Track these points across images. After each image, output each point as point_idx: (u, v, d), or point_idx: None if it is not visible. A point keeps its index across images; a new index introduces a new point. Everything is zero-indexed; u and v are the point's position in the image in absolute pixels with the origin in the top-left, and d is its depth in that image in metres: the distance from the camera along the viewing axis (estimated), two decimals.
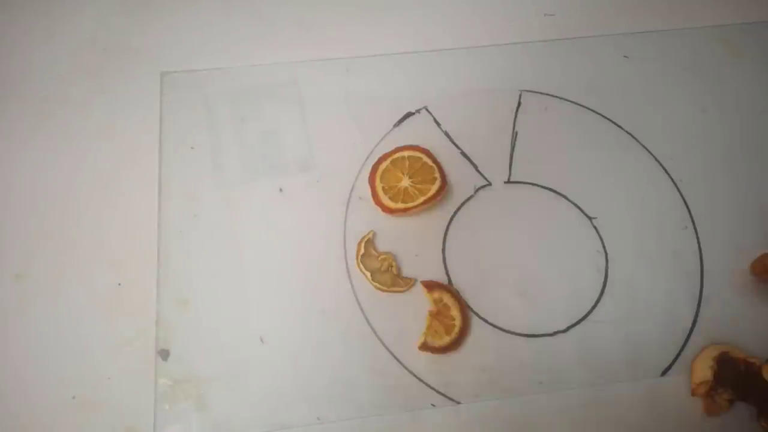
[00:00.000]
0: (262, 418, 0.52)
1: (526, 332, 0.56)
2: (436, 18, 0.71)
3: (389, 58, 0.68)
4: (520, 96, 0.67)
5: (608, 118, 0.66)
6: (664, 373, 0.55)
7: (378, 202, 0.59)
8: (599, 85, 0.68)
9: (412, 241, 0.59)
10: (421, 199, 0.58)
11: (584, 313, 0.57)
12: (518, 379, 0.54)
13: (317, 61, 0.68)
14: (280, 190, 0.61)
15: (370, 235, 0.59)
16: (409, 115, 0.65)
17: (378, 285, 0.56)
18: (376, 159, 0.62)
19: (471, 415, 0.53)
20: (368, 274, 0.56)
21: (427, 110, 0.65)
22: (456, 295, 0.56)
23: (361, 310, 0.56)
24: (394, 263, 0.57)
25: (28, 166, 0.61)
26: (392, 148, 0.62)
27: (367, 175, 0.61)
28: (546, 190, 0.62)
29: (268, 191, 0.61)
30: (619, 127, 0.65)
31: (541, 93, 0.67)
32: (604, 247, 0.60)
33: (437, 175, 0.60)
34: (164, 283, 0.56)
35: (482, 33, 0.70)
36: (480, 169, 0.63)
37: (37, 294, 0.56)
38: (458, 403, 0.53)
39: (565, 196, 0.62)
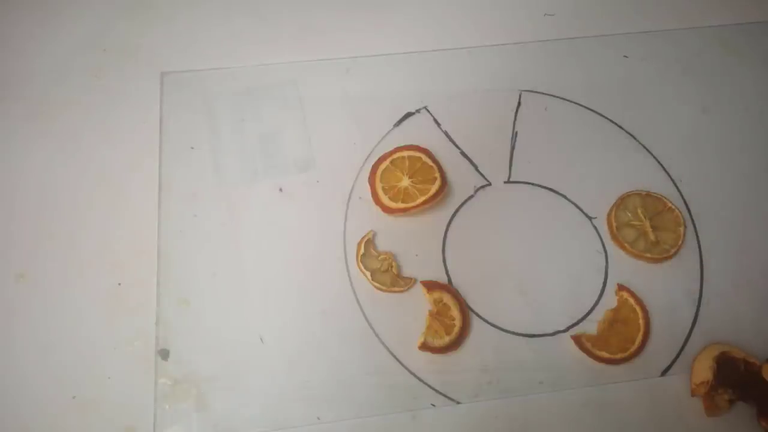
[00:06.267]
0: (262, 418, 0.52)
1: (526, 332, 0.56)
2: (436, 18, 0.71)
3: (389, 58, 0.68)
4: (520, 96, 0.67)
5: (608, 118, 0.66)
6: (664, 373, 0.55)
7: (378, 202, 0.59)
8: (599, 85, 0.68)
9: (412, 241, 0.59)
10: (421, 199, 0.58)
11: (584, 313, 0.57)
12: (518, 379, 0.54)
13: (317, 61, 0.68)
14: (280, 190, 0.61)
15: (370, 235, 0.59)
16: (409, 115, 0.65)
17: (378, 285, 0.56)
18: (376, 159, 0.62)
19: (471, 415, 0.53)
20: (368, 274, 0.56)
21: (427, 110, 0.65)
22: (456, 295, 0.56)
23: (361, 310, 0.56)
24: (394, 263, 0.57)
25: (28, 166, 0.61)
26: (392, 148, 0.62)
27: (367, 175, 0.61)
28: (546, 190, 0.62)
29: (268, 191, 0.61)
30: (619, 127, 0.65)
31: (541, 93, 0.67)
32: (604, 247, 0.60)
33: (437, 175, 0.60)
34: (164, 283, 0.56)
35: (482, 33, 0.70)
36: (480, 169, 0.63)
37: (38, 294, 0.56)
38: (458, 403, 0.53)
39: (565, 196, 0.62)
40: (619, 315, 0.56)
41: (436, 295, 0.56)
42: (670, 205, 0.60)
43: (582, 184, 0.62)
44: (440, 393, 0.53)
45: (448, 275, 0.58)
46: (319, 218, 0.60)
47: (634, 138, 0.65)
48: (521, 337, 0.56)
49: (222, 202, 0.60)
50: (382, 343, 0.55)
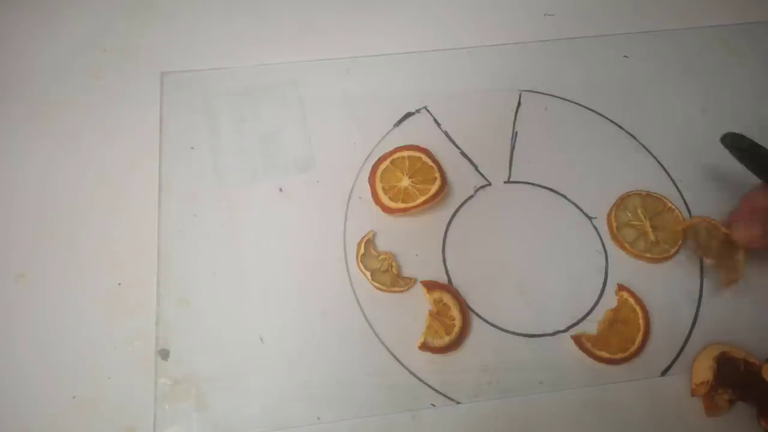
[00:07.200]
0: (262, 418, 0.52)
1: (526, 332, 0.56)
2: (436, 18, 0.71)
3: (389, 58, 0.68)
4: (520, 96, 0.67)
5: (608, 118, 0.66)
6: (664, 373, 0.55)
7: (378, 202, 0.59)
8: (599, 85, 0.68)
9: (412, 241, 0.59)
10: (421, 199, 0.59)
11: (584, 313, 0.57)
12: (518, 379, 0.54)
13: (317, 61, 0.68)
14: (280, 190, 0.61)
15: (370, 235, 0.59)
16: (409, 115, 0.65)
17: (378, 285, 0.56)
18: (376, 159, 0.62)
19: (471, 415, 0.53)
20: (368, 274, 0.56)
21: (427, 110, 0.65)
22: (456, 295, 0.56)
23: (361, 310, 0.56)
24: (394, 263, 0.57)
25: (28, 166, 0.61)
26: (392, 148, 0.62)
27: (367, 175, 0.61)
28: (546, 190, 0.62)
29: (268, 191, 0.61)
30: (619, 127, 0.65)
31: (541, 93, 0.67)
32: (604, 247, 0.60)
33: (437, 175, 0.60)
34: (164, 283, 0.56)
35: (482, 33, 0.70)
36: (480, 169, 0.63)
37: (38, 294, 0.56)
38: (458, 403, 0.53)
39: (565, 196, 0.62)
40: (619, 315, 0.56)
41: (436, 295, 0.56)
42: (670, 205, 0.60)
43: (582, 184, 0.62)
44: (440, 393, 0.53)
45: (448, 275, 0.58)
46: (319, 218, 0.60)
47: (634, 138, 0.65)
48: (521, 337, 0.56)
49: (222, 202, 0.60)
50: (382, 343, 0.55)
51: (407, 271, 0.58)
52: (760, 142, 0.65)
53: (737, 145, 0.54)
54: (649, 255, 0.58)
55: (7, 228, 0.58)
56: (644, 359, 0.55)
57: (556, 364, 0.55)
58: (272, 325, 0.55)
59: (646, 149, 0.64)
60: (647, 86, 0.68)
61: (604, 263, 0.59)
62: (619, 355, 0.54)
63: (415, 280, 0.57)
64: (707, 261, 0.58)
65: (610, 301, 0.57)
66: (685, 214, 0.61)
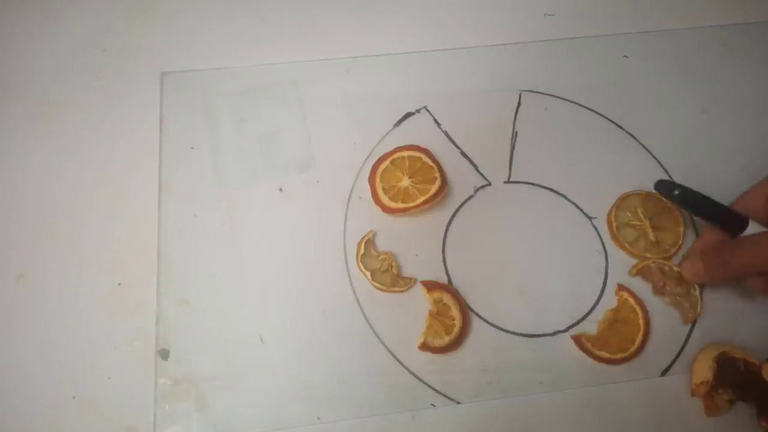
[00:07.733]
0: (262, 418, 0.52)
1: (526, 332, 0.56)
2: (436, 18, 0.71)
3: (389, 58, 0.68)
4: (520, 96, 0.67)
5: (608, 118, 0.66)
6: (664, 373, 0.55)
7: (378, 202, 0.59)
8: (599, 85, 0.68)
9: (412, 241, 0.59)
10: (421, 199, 0.58)
11: (584, 313, 0.57)
12: (518, 379, 0.54)
13: (317, 61, 0.68)
14: (280, 190, 0.61)
15: (370, 235, 0.59)
16: (409, 115, 0.65)
17: (378, 285, 0.56)
18: (376, 159, 0.62)
19: (471, 415, 0.53)
20: (368, 274, 0.56)
21: (427, 110, 0.65)
22: (456, 295, 0.56)
23: (361, 310, 0.56)
24: (394, 263, 0.57)
25: (28, 166, 0.61)
26: (392, 148, 0.62)
27: (367, 175, 0.61)
28: (546, 190, 0.62)
29: (268, 191, 0.61)
30: (619, 127, 0.65)
31: (541, 93, 0.67)
32: (604, 247, 0.60)
33: (437, 175, 0.60)
34: (164, 283, 0.56)
35: (482, 33, 0.70)
36: (480, 169, 0.63)
37: (38, 294, 0.56)
38: (458, 403, 0.53)
39: (565, 196, 0.62)
40: (619, 315, 0.56)
41: (436, 295, 0.56)
42: (670, 205, 0.60)
43: (582, 184, 0.62)
44: (440, 393, 0.53)
45: (448, 275, 0.58)
46: (319, 218, 0.60)
47: (634, 138, 0.65)
48: (521, 337, 0.56)
49: (222, 202, 0.60)
50: (382, 343, 0.55)
51: (407, 271, 0.58)
52: (760, 142, 0.66)
53: (667, 192, 0.56)
54: (649, 255, 0.58)
55: (7, 228, 0.58)
56: (644, 359, 0.55)
57: (556, 364, 0.55)
58: (272, 325, 0.55)
59: (646, 149, 0.64)
60: (647, 86, 0.68)
61: (604, 263, 0.59)
62: (619, 355, 0.54)
63: (415, 280, 0.57)
64: (665, 300, 0.57)
65: (610, 301, 0.57)
66: (685, 214, 0.61)
